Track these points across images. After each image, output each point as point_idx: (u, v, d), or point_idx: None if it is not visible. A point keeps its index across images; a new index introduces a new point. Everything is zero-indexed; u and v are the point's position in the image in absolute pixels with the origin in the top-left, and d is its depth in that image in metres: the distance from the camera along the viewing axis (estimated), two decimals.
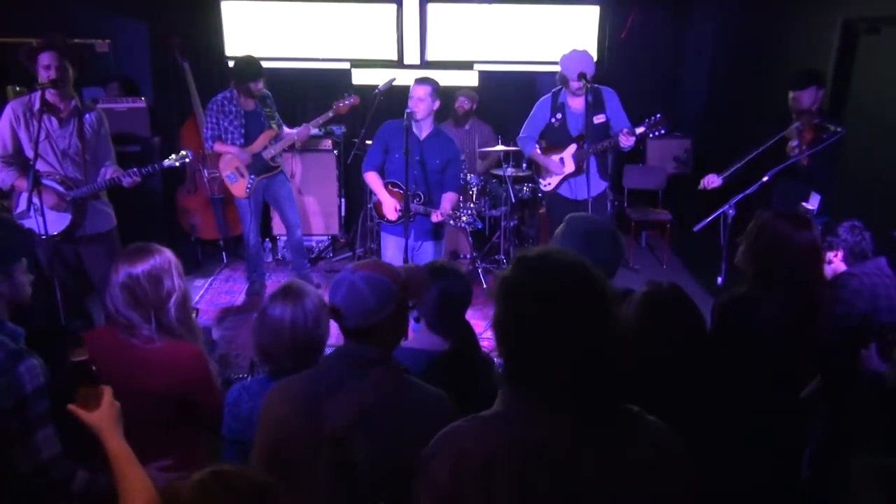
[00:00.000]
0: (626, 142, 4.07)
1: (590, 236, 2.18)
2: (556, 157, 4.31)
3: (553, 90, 4.38)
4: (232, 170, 4.87)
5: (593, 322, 1.19)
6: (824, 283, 2.31)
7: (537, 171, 4.57)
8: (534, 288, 1.21)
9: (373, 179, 4.08)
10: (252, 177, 4.82)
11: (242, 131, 4.79)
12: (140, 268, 2.05)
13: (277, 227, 5.75)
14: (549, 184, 4.43)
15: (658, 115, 4.09)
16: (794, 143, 3.83)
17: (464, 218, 4.07)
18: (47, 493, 1.76)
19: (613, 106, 4.27)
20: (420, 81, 3.91)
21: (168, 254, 2.13)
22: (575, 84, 4.12)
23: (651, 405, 1.30)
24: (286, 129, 4.93)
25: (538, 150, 4.42)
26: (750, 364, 2.08)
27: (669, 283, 1.88)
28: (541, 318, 1.18)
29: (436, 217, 3.90)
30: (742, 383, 2.04)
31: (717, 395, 1.80)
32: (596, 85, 4.23)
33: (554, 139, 4.38)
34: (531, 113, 4.46)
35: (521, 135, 4.48)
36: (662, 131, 4.14)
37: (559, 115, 4.32)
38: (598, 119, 4.22)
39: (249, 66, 4.70)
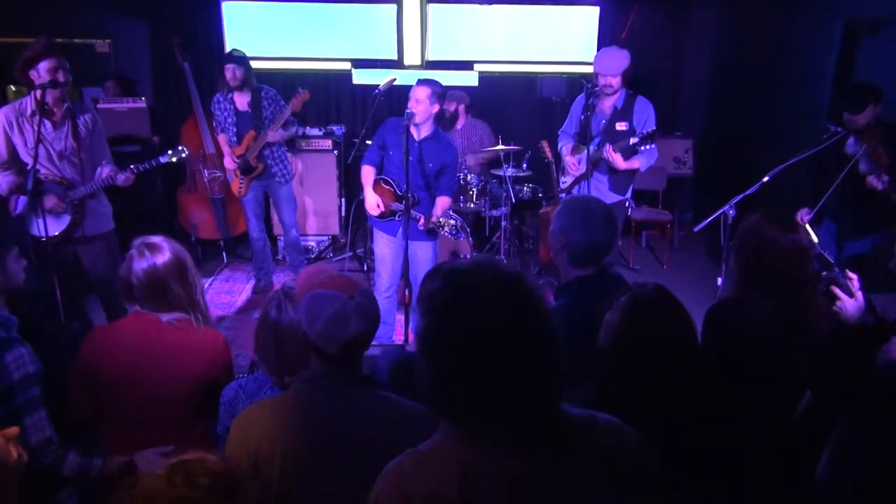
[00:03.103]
0: (608, 153, 3.95)
1: (582, 213, 2.22)
2: (576, 158, 4.26)
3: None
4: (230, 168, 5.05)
5: (529, 344, 1.11)
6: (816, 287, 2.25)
7: (560, 167, 4.53)
8: (465, 310, 1.11)
9: (364, 174, 4.09)
10: (242, 178, 4.95)
11: (234, 129, 4.90)
12: (161, 260, 2.11)
13: (277, 227, 5.75)
14: (565, 182, 4.42)
15: (653, 128, 3.94)
16: (865, 169, 3.57)
17: (447, 228, 4.04)
18: (39, 477, 1.79)
19: (642, 117, 4.11)
20: (421, 83, 3.88)
21: (176, 244, 2.20)
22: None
23: (639, 411, 1.29)
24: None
25: (567, 147, 4.35)
26: (740, 369, 2.06)
27: (654, 285, 1.84)
28: (472, 344, 1.09)
29: (421, 224, 3.88)
30: (732, 387, 2.02)
31: (706, 400, 1.78)
32: (631, 91, 4.15)
33: (581, 138, 4.30)
34: (571, 108, 4.43)
35: (561, 128, 4.47)
36: (652, 145, 3.94)
37: (587, 114, 4.23)
38: (621, 126, 4.10)
39: (228, 52, 4.84)
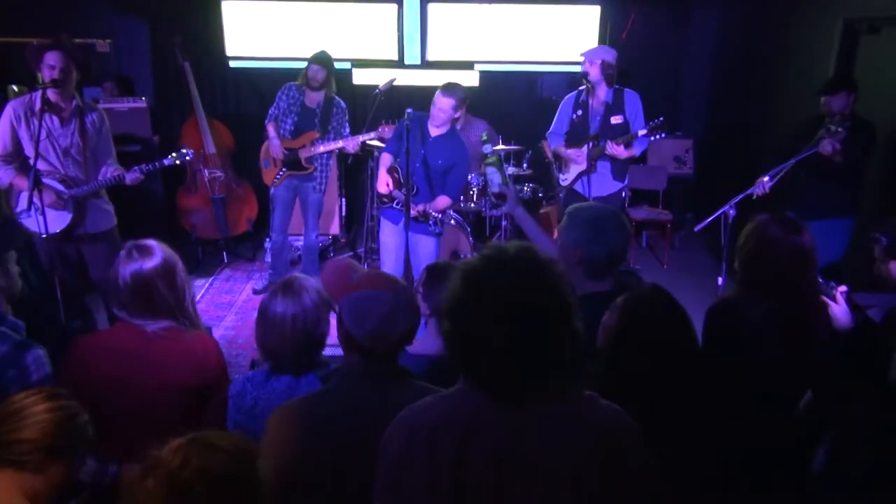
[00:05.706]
0: (611, 149, 4.20)
1: (596, 223, 2.15)
2: (579, 151, 4.44)
3: (579, 88, 4.52)
4: (268, 156, 5.04)
5: (551, 322, 1.22)
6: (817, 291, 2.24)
7: (559, 165, 4.71)
8: (496, 282, 1.23)
9: (383, 159, 4.26)
10: (283, 170, 4.94)
11: (294, 119, 4.90)
12: (150, 264, 2.05)
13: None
14: (567, 179, 4.57)
15: (661, 119, 4.15)
16: (826, 143, 3.67)
17: (431, 218, 4.08)
18: None
19: (633, 109, 4.35)
20: (446, 93, 3.95)
21: (167, 248, 2.14)
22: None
23: (636, 414, 1.31)
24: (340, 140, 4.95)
25: (563, 145, 4.54)
26: (738, 370, 2.05)
27: (652, 286, 1.82)
28: (497, 315, 1.20)
29: (414, 211, 3.93)
30: (730, 388, 2.02)
31: (704, 401, 1.78)
32: (619, 86, 4.38)
33: (575, 136, 4.49)
34: (558, 109, 4.62)
35: (549, 130, 4.65)
36: (663, 135, 4.24)
37: (580, 112, 4.45)
38: (616, 120, 4.33)
39: (317, 53, 4.85)
